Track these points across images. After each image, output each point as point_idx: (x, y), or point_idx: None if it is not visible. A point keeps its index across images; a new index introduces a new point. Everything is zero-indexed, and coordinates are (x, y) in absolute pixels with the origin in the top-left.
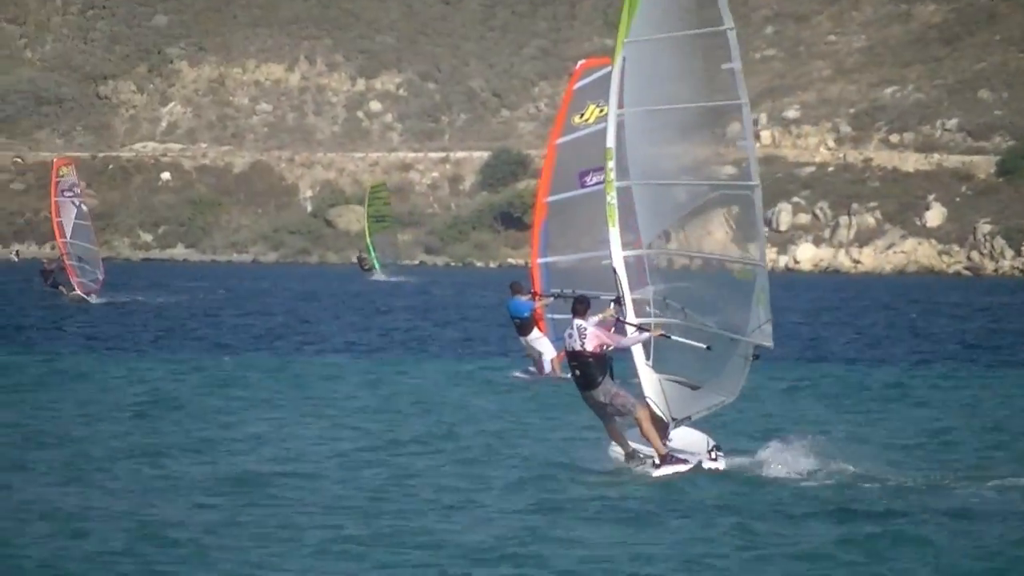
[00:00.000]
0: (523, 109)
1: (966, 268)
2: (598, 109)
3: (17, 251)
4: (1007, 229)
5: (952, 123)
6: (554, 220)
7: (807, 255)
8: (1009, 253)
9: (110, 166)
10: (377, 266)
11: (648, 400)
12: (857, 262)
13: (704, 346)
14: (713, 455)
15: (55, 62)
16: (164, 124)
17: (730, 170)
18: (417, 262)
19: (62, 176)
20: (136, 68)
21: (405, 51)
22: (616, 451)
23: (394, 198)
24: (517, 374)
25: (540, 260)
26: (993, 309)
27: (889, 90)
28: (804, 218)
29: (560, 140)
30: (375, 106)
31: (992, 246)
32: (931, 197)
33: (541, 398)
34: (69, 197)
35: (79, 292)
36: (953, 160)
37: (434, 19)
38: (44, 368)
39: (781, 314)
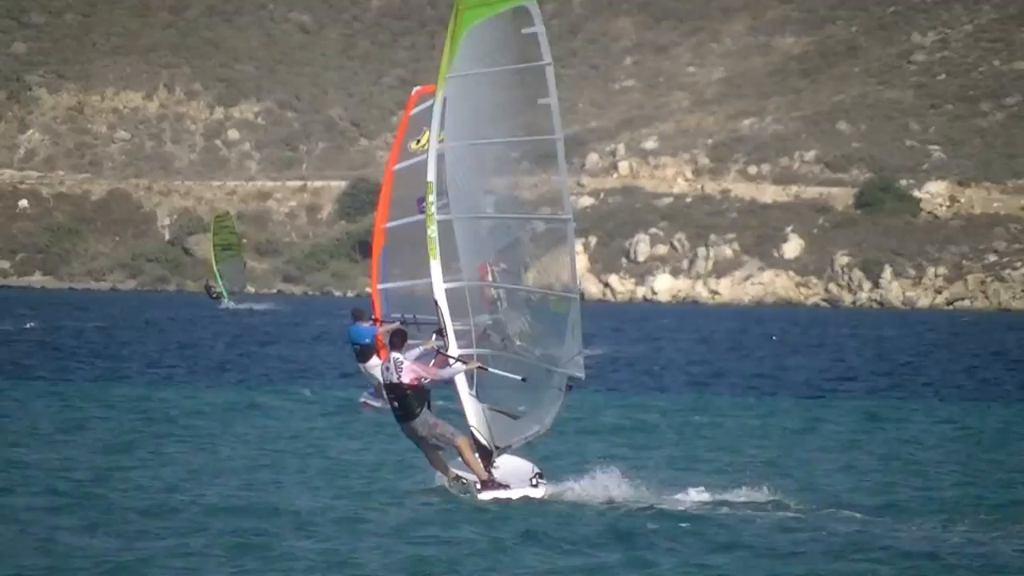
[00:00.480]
0: (382, 138)
1: (824, 300)
2: None
3: None
4: (865, 261)
5: (810, 155)
6: (393, 246)
7: (665, 286)
8: (867, 285)
9: None
10: (225, 294)
11: (472, 429)
12: (715, 293)
13: (519, 378)
14: (534, 482)
15: None
16: (22, 151)
17: (545, 205)
18: (276, 291)
19: None
20: None
21: (264, 80)
22: (440, 477)
23: (252, 227)
24: (362, 400)
25: (380, 286)
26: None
27: (748, 121)
28: (662, 249)
29: (398, 166)
30: (233, 134)
31: (850, 278)
32: (789, 229)
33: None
34: None
35: None
36: (811, 192)
37: (294, 48)
38: None
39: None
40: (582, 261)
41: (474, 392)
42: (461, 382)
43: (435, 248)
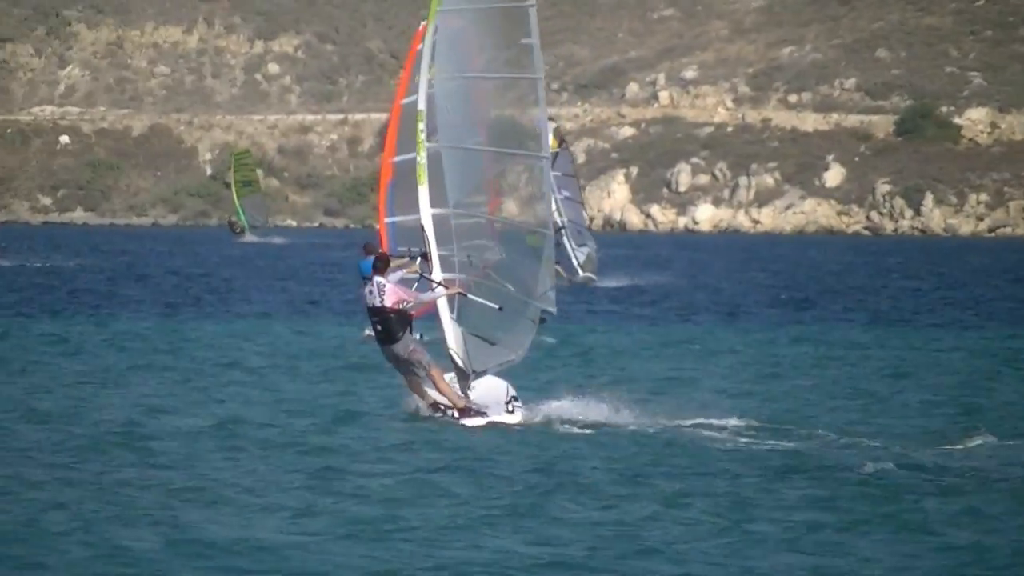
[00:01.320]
0: None
1: (866, 228)
2: None
3: None
4: (906, 189)
5: (850, 83)
6: (399, 180)
7: (706, 216)
8: (908, 213)
9: (8, 130)
10: (247, 228)
11: (451, 351)
12: (757, 222)
13: (496, 307)
14: (510, 407)
15: None
16: (62, 87)
17: (527, 140)
18: (317, 224)
19: None
20: (34, 31)
21: (303, 13)
22: (420, 403)
23: (293, 160)
24: (368, 333)
25: (387, 220)
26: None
27: (787, 50)
28: (703, 179)
29: (405, 100)
30: (273, 68)
31: (891, 206)
32: (830, 157)
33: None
34: None
35: None
36: (851, 120)
37: None
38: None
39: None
40: (623, 191)
41: (455, 316)
42: (443, 306)
43: (423, 174)
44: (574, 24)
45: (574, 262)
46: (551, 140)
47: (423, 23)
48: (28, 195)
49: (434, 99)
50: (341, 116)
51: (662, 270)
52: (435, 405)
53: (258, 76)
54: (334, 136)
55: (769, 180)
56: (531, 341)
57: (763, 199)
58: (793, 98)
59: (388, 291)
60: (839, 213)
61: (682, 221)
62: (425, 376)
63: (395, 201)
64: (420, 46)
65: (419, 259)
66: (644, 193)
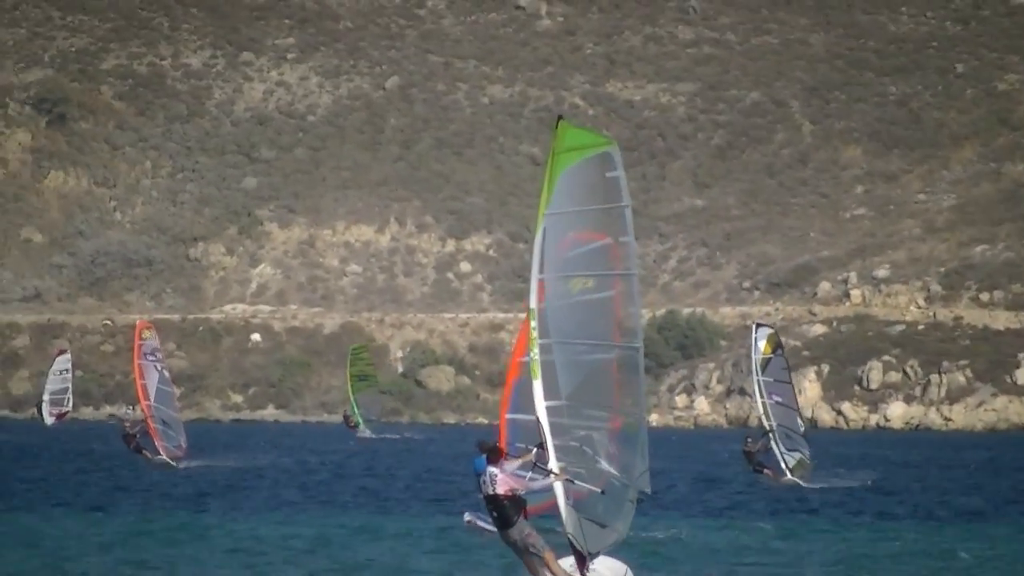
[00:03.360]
0: None
1: None
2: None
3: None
4: None
5: None
6: (525, 379)
7: (897, 413)
8: None
9: (200, 328)
10: (361, 423)
11: (569, 535)
12: (948, 420)
13: (599, 490)
14: None
15: (145, 224)
16: (254, 285)
17: (625, 332)
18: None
19: (144, 339)
20: (226, 230)
21: (495, 212)
22: None
23: (485, 358)
24: (468, 518)
25: (508, 416)
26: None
27: (979, 248)
28: (895, 376)
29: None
30: (465, 267)
31: None
32: (1021, 355)
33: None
34: (152, 361)
35: (164, 457)
36: None
37: (524, 179)
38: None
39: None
40: (815, 389)
41: (571, 502)
42: (560, 493)
43: (537, 369)
44: (766, 223)
45: (782, 465)
46: (765, 345)
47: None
48: (219, 393)
49: (546, 297)
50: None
51: (878, 470)
52: None
53: (450, 274)
54: None
55: (960, 378)
56: (630, 521)
57: (954, 397)
58: (985, 296)
59: (500, 480)
60: None
61: (873, 418)
62: (539, 559)
63: (519, 399)
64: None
65: (536, 449)
66: (835, 391)
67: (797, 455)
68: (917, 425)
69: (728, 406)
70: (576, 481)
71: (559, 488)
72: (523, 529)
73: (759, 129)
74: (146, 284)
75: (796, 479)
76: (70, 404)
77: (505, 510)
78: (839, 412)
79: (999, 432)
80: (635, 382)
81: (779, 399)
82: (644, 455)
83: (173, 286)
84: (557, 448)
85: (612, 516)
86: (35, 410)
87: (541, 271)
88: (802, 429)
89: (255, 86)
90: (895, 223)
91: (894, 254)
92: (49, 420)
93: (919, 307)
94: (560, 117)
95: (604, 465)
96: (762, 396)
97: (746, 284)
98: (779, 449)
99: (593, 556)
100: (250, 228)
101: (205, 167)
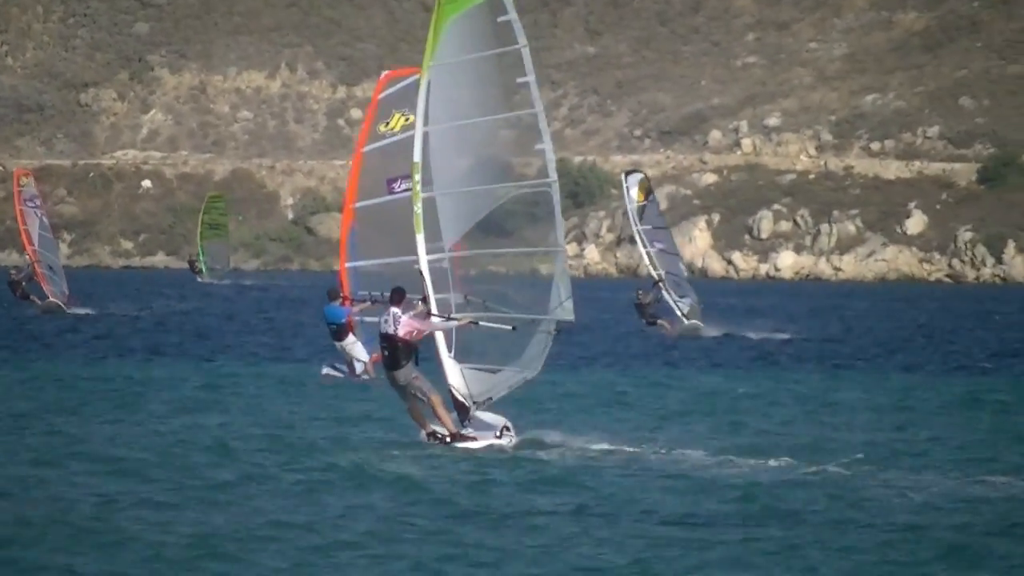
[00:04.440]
0: (503, 118)
1: (947, 276)
2: (403, 118)
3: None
4: (988, 237)
5: (933, 131)
6: (362, 225)
7: (788, 263)
8: (990, 261)
9: (91, 174)
10: (204, 270)
11: (451, 387)
12: (838, 270)
13: (510, 327)
14: (499, 434)
15: (36, 70)
16: (145, 132)
17: (531, 174)
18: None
19: (23, 186)
20: (117, 75)
21: (387, 58)
22: (419, 430)
23: None
24: (325, 371)
25: (348, 264)
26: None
27: (870, 97)
28: (785, 226)
29: (367, 148)
30: (356, 113)
31: (973, 254)
32: (912, 205)
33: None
34: (32, 208)
35: (54, 300)
36: (934, 168)
37: (416, 26)
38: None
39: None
40: (705, 238)
41: (452, 354)
42: (441, 345)
43: (420, 223)
44: (657, 71)
45: (677, 312)
46: (637, 192)
47: (384, 73)
48: (110, 240)
49: (427, 147)
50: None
51: (760, 318)
52: (432, 433)
53: (341, 121)
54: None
55: (851, 227)
56: (545, 355)
57: (845, 246)
58: (876, 146)
59: (403, 322)
60: (921, 261)
61: (763, 268)
62: (426, 403)
63: (357, 246)
64: (381, 95)
65: (419, 302)
66: (726, 240)
67: (688, 301)
68: (807, 275)
69: (618, 255)
70: (481, 323)
71: (440, 340)
72: (410, 373)
73: None
74: (37, 129)
75: (695, 322)
76: None
77: (397, 352)
78: (729, 262)
79: (889, 282)
80: (551, 218)
81: (661, 246)
82: (566, 285)
83: (64, 132)
84: (440, 301)
85: (513, 356)
86: None
87: (426, 123)
88: (685, 273)
89: None
90: (786, 71)
91: (785, 103)
92: None
93: (810, 156)
94: None
95: (505, 309)
96: (645, 246)
97: (637, 132)
98: (671, 297)
99: (480, 404)
100: (141, 74)
101: (97, 12)
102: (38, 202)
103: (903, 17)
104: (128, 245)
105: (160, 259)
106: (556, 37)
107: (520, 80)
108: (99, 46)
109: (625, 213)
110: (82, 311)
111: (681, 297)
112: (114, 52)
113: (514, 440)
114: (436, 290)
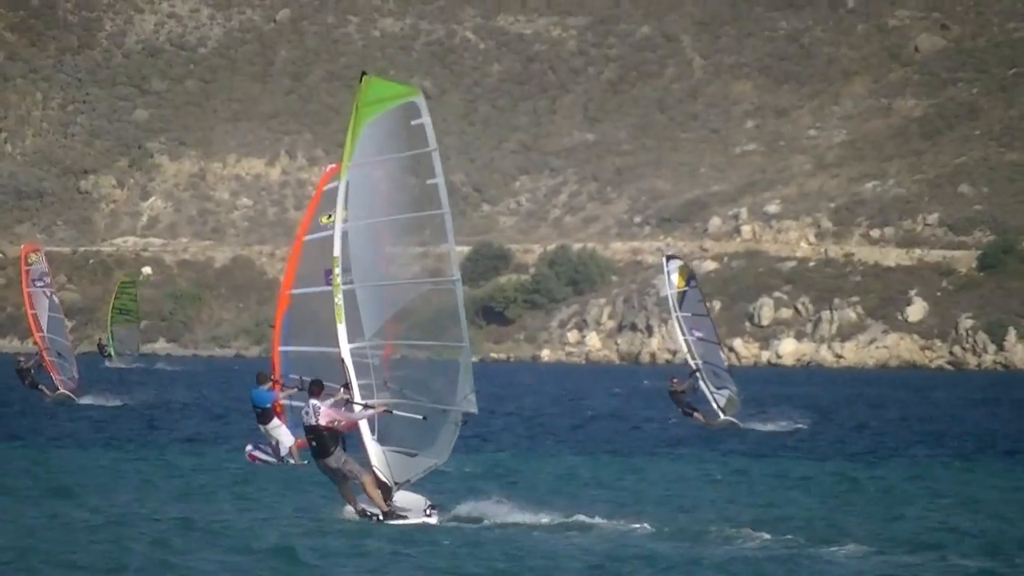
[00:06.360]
0: (504, 204)
1: (948, 363)
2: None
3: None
4: (989, 324)
5: (933, 217)
6: (296, 311)
7: (789, 349)
8: (991, 348)
9: (91, 260)
10: (113, 353)
11: (375, 468)
12: (839, 356)
13: (421, 416)
14: (428, 512)
15: (35, 156)
16: (145, 218)
17: (437, 270)
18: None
19: (31, 264)
20: (117, 162)
21: None
22: (349, 509)
23: None
24: (250, 451)
25: (281, 348)
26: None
27: (870, 184)
28: (786, 313)
29: (307, 237)
30: None
31: (974, 341)
32: (913, 292)
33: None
34: (41, 287)
35: (63, 390)
36: (934, 255)
37: None
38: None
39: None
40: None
41: (375, 437)
42: (364, 429)
43: (341, 313)
44: (656, 158)
45: (713, 405)
46: (677, 278)
47: (329, 167)
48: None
49: (347, 242)
50: (422, 248)
51: (797, 409)
52: (363, 511)
53: None
54: (416, 268)
55: (852, 314)
56: (453, 444)
57: (846, 333)
58: (876, 233)
59: (322, 412)
60: (922, 348)
61: (765, 355)
62: (356, 484)
63: (291, 331)
64: (325, 188)
65: (342, 388)
66: (727, 327)
67: (726, 392)
68: (809, 362)
69: (620, 342)
70: (395, 411)
71: (363, 424)
72: (340, 457)
73: (650, 63)
74: (36, 216)
75: (731, 419)
76: None
77: (324, 440)
78: (731, 348)
79: (890, 369)
80: (455, 315)
81: (700, 334)
82: (468, 377)
83: (64, 218)
84: (362, 387)
85: (426, 444)
86: None
87: (346, 220)
88: (725, 364)
89: (146, 17)
90: (786, 158)
91: (785, 189)
92: None
93: (810, 243)
94: (364, 73)
95: (416, 396)
96: (684, 333)
97: (637, 219)
98: (708, 388)
99: (400, 485)
100: (141, 160)
101: (96, 99)
102: (48, 279)
103: (902, 104)
104: None
105: (161, 346)
106: (555, 124)
107: (430, 182)
108: (98, 133)
109: (626, 300)
110: (94, 401)
111: (719, 388)
112: (113, 139)
113: (438, 518)
114: (357, 375)
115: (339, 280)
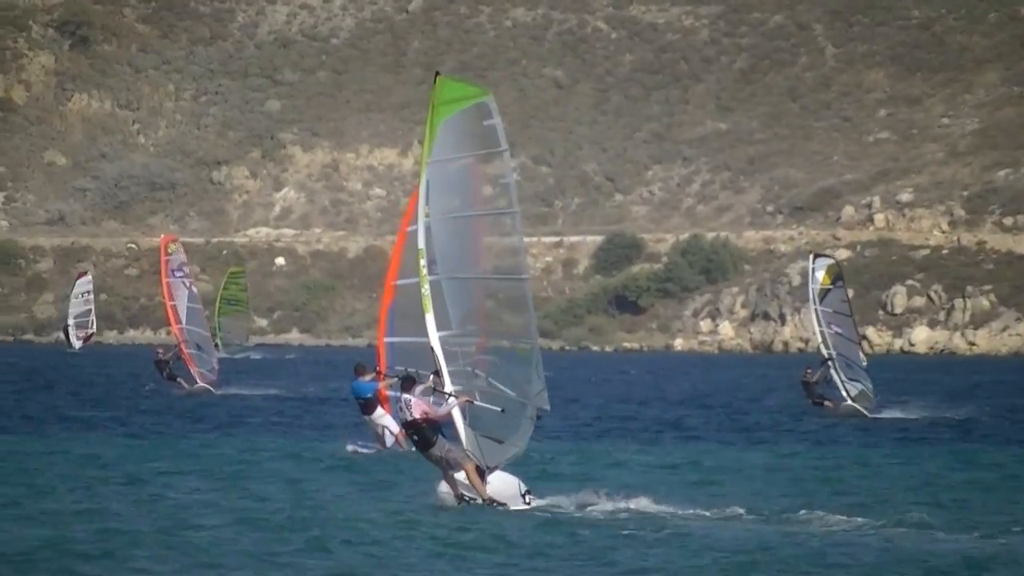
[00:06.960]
0: (636, 193)
1: None
2: None
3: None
4: None
5: None
6: (400, 302)
7: (922, 337)
8: None
9: (224, 251)
10: (220, 345)
11: (467, 452)
12: (972, 344)
13: (499, 409)
14: (526, 499)
15: (168, 147)
16: (278, 209)
17: (508, 267)
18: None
19: (171, 254)
20: (249, 153)
21: (518, 135)
22: (447, 492)
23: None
24: (350, 448)
25: (386, 339)
26: None
27: (1002, 172)
28: (919, 301)
29: (411, 228)
30: (487, 190)
31: None
32: None
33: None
34: (180, 277)
35: (202, 384)
36: None
37: (547, 103)
38: None
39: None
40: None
41: (467, 422)
42: (457, 415)
43: (429, 303)
44: (789, 147)
45: (843, 392)
46: (823, 275)
47: None
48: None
49: (431, 236)
50: (556, 238)
51: (936, 399)
52: (461, 495)
53: None
54: (549, 258)
55: (984, 302)
56: (530, 435)
57: (979, 321)
58: (1008, 220)
59: (414, 405)
60: None
61: (897, 343)
62: (460, 471)
63: (396, 322)
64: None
65: (432, 376)
66: (859, 315)
67: (859, 385)
68: (942, 350)
69: (752, 331)
70: (476, 402)
71: (457, 410)
72: (443, 446)
73: (782, 52)
74: (169, 207)
75: (856, 406)
76: (94, 327)
77: (424, 432)
78: (864, 337)
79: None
80: (526, 311)
81: (839, 330)
82: (540, 374)
83: (196, 209)
84: (452, 374)
85: (510, 432)
86: (60, 334)
87: (428, 214)
88: (864, 363)
89: (278, 8)
90: (918, 147)
91: (917, 178)
92: (76, 344)
93: (942, 231)
94: (437, 73)
95: (500, 387)
96: (820, 325)
97: (769, 208)
98: (839, 377)
99: (491, 470)
100: (273, 151)
101: (228, 90)
102: (187, 270)
103: None
104: (262, 323)
105: (294, 336)
106: (687, 113)
107: (502, 181)
108: (231, 124)
109: (759, 288)
110: (233, 391)
111: (851, 380)
112: (246, 130)
113: (534, 502)
114: (447, 363)
115: (424, 271)
